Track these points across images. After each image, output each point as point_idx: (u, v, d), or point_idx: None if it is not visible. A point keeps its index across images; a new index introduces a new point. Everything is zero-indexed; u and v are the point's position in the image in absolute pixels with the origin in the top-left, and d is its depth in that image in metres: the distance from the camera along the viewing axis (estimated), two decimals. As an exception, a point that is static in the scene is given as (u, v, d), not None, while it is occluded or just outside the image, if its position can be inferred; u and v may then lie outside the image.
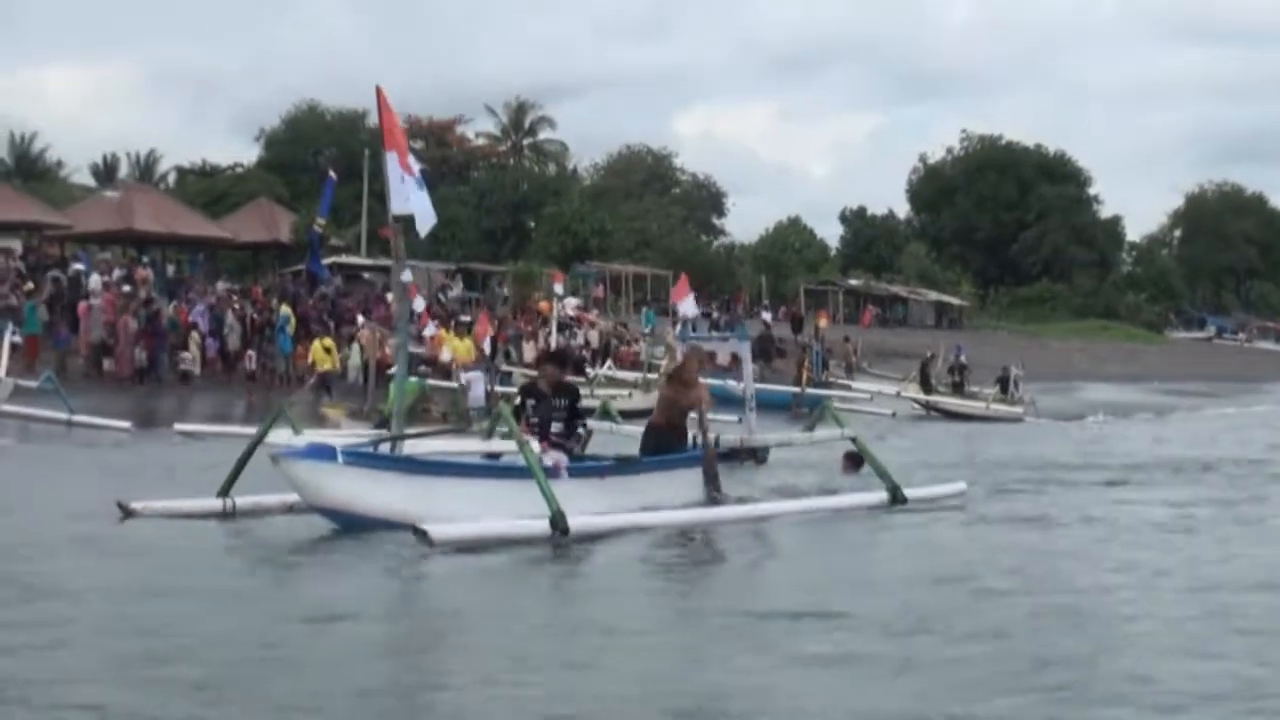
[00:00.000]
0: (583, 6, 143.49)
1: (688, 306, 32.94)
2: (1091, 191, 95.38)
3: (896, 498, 13.96)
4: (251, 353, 32.42)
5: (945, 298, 77.18)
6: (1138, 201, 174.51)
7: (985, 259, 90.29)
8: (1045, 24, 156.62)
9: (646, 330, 45.04)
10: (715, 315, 53.78)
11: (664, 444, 13.98)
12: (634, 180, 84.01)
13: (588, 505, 12.28)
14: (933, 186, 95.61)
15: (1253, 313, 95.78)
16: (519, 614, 8.77)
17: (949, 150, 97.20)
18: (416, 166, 11.84)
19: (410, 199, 11.79)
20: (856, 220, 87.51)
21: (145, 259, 42.12)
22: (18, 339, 25.80)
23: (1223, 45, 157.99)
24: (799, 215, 79.63)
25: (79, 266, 35.08)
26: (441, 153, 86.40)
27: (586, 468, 13.18)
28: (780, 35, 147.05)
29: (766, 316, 52.98)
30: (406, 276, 13.15)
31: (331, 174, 47.89)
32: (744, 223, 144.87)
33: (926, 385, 39.30)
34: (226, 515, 12.68)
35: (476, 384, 27.73)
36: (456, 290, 50.75)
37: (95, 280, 33.33)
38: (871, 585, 9.99)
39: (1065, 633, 8.15)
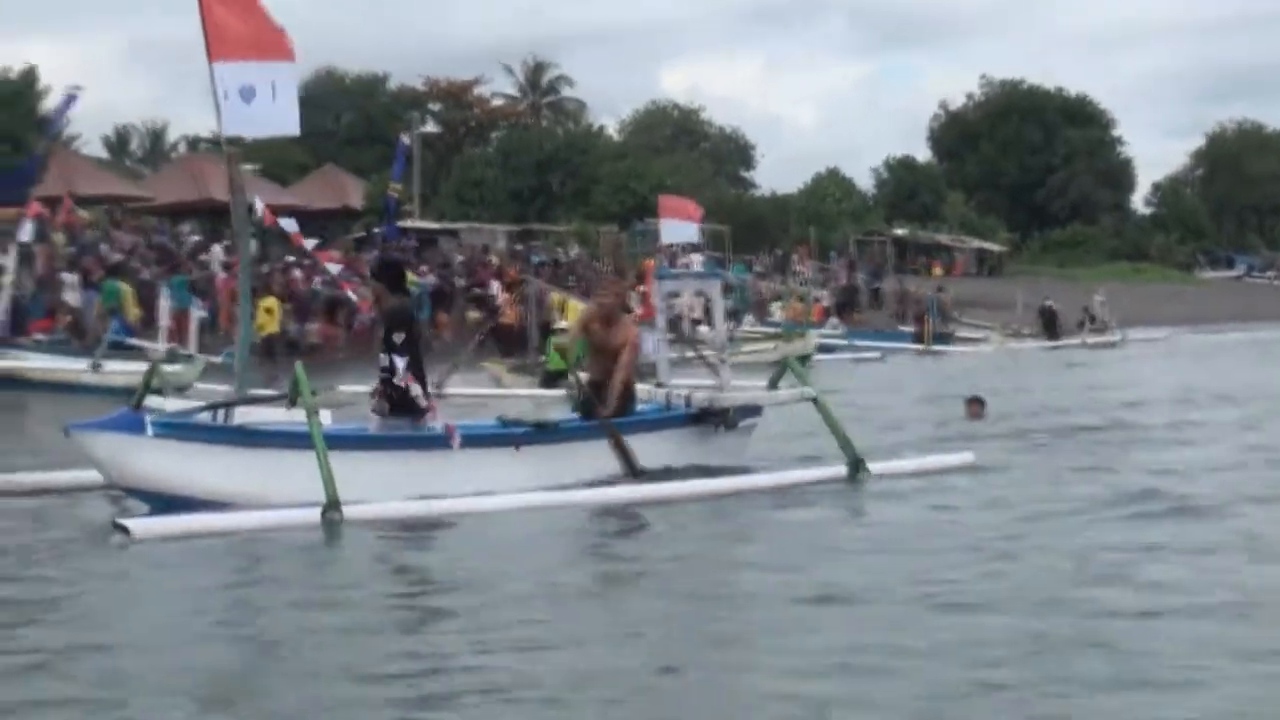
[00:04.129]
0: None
1: (679, 231, 26.61)
2: (1115, 133, 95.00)
3: (857, 472, 11.59)
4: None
5: (986, 245, 76.81)
6: (1141, 143, 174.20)
7: (1012, 204, 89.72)
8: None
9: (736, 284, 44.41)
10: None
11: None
12: (661, 135, 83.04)
13: (494, 481, 10.38)
14: (954, 133, 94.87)
15: (1277, 250, 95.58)
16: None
17: (969, 96, 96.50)
18: (264, 70, 10.00)
19: (255, 112, 10.04)
20: (900, 169, 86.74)
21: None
22: (204, 313, 24.81)
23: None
24: (837, 167, 78.81)
25: (196, 238, 34.06)
26: (461, 114, 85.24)
27: (495, 435, 11.06)
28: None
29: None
30: (259, 206, 11.33)
31: (404, 139, 47.17)
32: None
33: None
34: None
35: (646, 341, 26.87)
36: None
37: (218, 251, 32.33)
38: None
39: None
